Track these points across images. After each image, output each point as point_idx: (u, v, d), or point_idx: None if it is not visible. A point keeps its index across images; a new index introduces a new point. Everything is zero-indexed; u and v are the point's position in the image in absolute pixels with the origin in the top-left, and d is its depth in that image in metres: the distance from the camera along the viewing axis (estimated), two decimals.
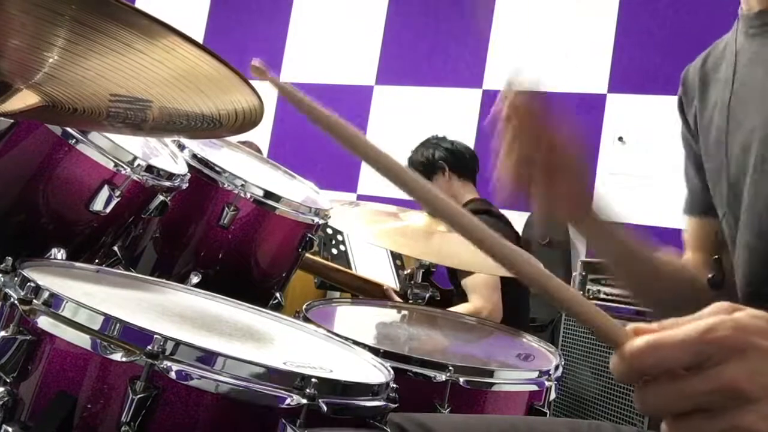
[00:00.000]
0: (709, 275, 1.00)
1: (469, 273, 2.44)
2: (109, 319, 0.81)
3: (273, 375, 0.82)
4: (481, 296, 2.40)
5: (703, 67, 1.07)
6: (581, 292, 2.77)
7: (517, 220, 3.75)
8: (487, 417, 1.23)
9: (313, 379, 0.82)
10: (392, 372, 1.00)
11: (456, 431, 0.98)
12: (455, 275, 2.50)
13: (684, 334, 0.52)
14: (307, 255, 1.99)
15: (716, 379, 0.51)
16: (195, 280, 1.48)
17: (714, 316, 0.53)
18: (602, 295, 2.63)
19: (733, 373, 0.50)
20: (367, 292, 2.34)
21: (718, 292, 0.98)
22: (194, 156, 1.48)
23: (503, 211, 2.82)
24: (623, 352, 0.53)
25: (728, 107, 0.96)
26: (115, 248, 1.41)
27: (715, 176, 1.00)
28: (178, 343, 0.80)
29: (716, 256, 1.02)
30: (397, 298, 2.28)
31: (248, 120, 0.84)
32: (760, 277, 0.89)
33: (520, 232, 3.73)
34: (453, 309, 2.26)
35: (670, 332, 0.52)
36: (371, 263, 2.85)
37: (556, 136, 0.92)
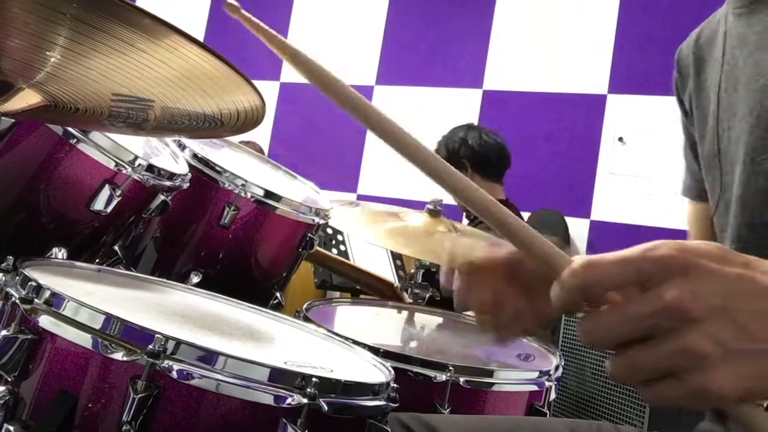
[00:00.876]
0: None
1: None
2: (110, 318, 0.81)
3: (274, 374, 0.82)
4: None
5: (697, 44, 1.04)
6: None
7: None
8: (489, 417, 1.23)
9: (313, 379, 0.82)
10: (392, 372, 1.00)
11: (459, 431, 0.98)
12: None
13: (624, 253, 0.50)
14: (321, 250, 1.99)
15: (658, 299, 0.48)
16: (195, 279, 1.48)
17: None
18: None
19: (676, 293, 0.48)
20: (377, 290, 2.32)
21: None
22: (195, 156, 1.48)
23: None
24: (562, 275, 0.51)
25: (718, 93, 0.95)
26: (116, 248, 1.41)
27: (707, 164, 0.99)
28: (179, 342, 0.80)
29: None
30: (408, 298, 2.27)
31: (250, 119, 0.84)
32: None
33: None
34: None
35: (611, 253, 0.50)
36: (371, 263, 2.85)
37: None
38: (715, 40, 0.99)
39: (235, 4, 0.55)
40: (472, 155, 2.74)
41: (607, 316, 0.50)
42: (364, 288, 2.41)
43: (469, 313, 2.17)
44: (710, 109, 0.97)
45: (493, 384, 1.28)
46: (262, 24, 0.56)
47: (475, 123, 4.11)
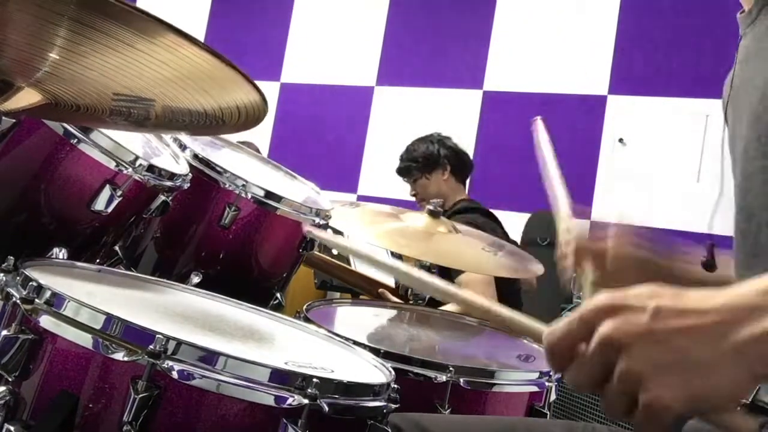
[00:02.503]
0: (702, 258, 1.00)
1: (462, 271, 2.45)
2: (110, 318, 0.81)
3: (274, 375, 0.82)
4: (474, 292, 2.38)
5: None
6: (581, 293, 2.76)
7: (518, 221, 3.76)
8: (484, 418, 1.23)
9: (314, 380, 0.82)
10: (393, 372, 1.00)
11: (452, 430, 0.98)
12: (449, 274, 2.50)
13: (569, 317, 0.59)
14: (316, 254, 1.98)
15: (595, 338, 0.56)
16: (196, 279, 1.48)
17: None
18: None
19: (605, 329, 0.56)
20: (364, 289, 2.33)
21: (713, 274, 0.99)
22: (195, 156, 1.48)
23: (503, 212, 2.82)
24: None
25: (726, 105, 0.97)
26: (117, 248, 1.41)
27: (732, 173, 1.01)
28: (179, 342, 0.80)
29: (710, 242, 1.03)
30: (395, 299, 2.27)
31: (251, 117, 0.84)
32: (746, 265, 0.89)
33: (521, 232, 3.74)
34: (447, 307, 2.26)
35: (560, 322, 0.60)
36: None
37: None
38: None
39: None
40: (452, 156, 2.83)
41: (575, 366, 0.59)
42: (350, 285, 2.42)
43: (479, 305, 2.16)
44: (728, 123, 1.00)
45: (494, 385, 1.28)
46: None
47: (476, 124, 4.12)
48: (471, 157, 3.00)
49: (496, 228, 2.61)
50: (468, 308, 0.71)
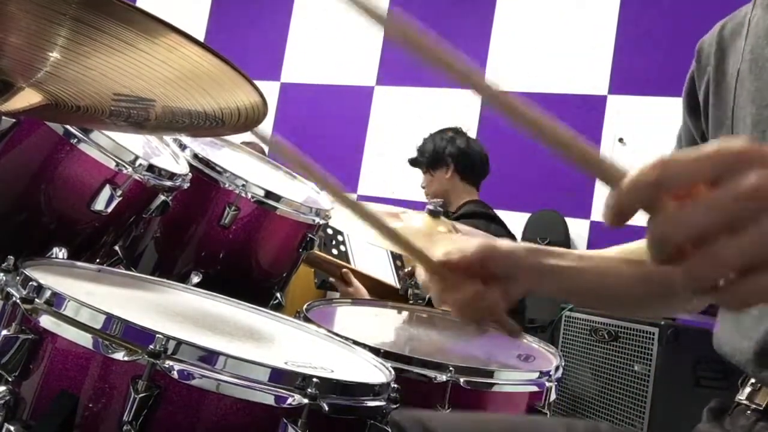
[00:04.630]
0: None
1: None
2: (110, 318, 0.81)
3: (274, 375, 0.82)
4: None
5: (720, 35, 1.05)
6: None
7: (518, 220, 3.76)
8: (486, 415, 1.23)
9: (314, 379, 0.82)
10: (393, 372, 1.00)
11: (454, 429, 0.98)
12: None
13: (698, 150, 0.47)
14: (316, 253, 1.98)
15: (742, 185, 0.45)
16: (196, 279, 1.48)
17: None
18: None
19: (760, 178, 0.45)
20: (329, 272, 2.31)
21: None
22: (195, 156, 1.48)
23: (503, 212, 2.81)
24: (634, 173, 0.49)
25: (736, 81, 0.96)
26: (117, 248, 1.41)
27: None
28: (179, 342, 0.80)
29: None
30: (356, 282, 2.25)
31: (251, 118, 0.84)
32: None
33: (521, 232, 3.74)
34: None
35: (681, 152, 0.48)
36: (371, 263, 2.85)
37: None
38: (740, 32, 1.00)
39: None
40: (458, 155, 2.79)
41: (688, 208, 0.47)
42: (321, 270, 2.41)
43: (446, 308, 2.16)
44: (730, 98, 0.97)
45: (494, 384, 1.28)
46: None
47: (476, 124, 4.12)
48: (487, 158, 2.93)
49: (497, 231, 2.60)
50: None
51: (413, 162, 2.90)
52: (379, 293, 2.31)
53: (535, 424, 1.06)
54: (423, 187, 2.91)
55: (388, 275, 2.74)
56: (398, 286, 2.50)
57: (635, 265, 1.03)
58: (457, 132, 2.90)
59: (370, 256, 2.82)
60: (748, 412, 0.88)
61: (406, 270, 2.41)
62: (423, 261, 0.92)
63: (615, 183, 0.50)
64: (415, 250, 0.91)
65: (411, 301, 1.92)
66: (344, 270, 2.27)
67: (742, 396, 0.89)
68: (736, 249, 0.46)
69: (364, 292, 2.25)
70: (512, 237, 2.73)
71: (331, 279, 2.33)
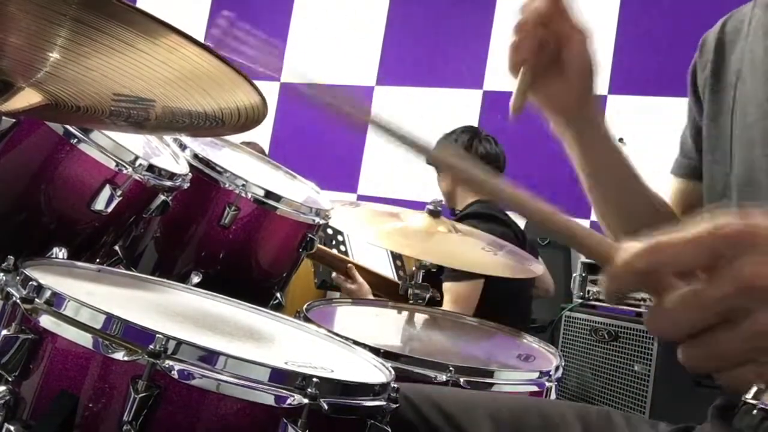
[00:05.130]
0: None
1: (452, 277, 2.44)
2: (110, 318, 0.81)
3: (274, 375, 0.82)
4: (454, 303, 2.40)
5: (723, 30, 1.06)
6: (581, 293, 2.77)
7: (518, 220, 3.75)
8: (496, 395, 1.22)
9: (314, 379, 0.82)
10: (393, 372, 1.00)
11: (465, 407, 0.98)
12: (441, 272, 2.49)
13: (690, 233, 0.46)
14: (322, 248, 1.98)
15: (735, 276, 0.45)
16: (196, 279, 1.48)
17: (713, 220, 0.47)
18: (602, 296, 2.63)
19: (752, 269, 0.44)
20: (334, 267, 2.31)
21: None
22: (195, 156, 1.48)
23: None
24: (618, 260, 0.48)
25: (737, 79, 0.96)
26: (117, 248, 1.41)
27: (713, 145, 1.00)
28: (180, 342, 0.80)
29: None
30: (360, 278, 2.25)
31: (251, 118, 0.84)
32: None
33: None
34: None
35: (672, 235, 0.47)
36: (371, 263, 2.86)
37: (562, 34, 0.96)
38: (741, 29, 1.00)
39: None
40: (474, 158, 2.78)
41: (683, 302, 0.46)
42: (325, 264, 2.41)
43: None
44: (728, 94, 0.98)
45: (494, 384, 1.28)
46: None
47: (476, 124, 4.11)
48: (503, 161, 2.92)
49: (504, 232, 2.58)
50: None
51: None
52: (383, 290, 2.31)
53: (546, 406, 1.05)
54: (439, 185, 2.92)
55: (387, 275, 2.74)
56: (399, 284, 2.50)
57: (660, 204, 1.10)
58: (471, 131, 2.89)
59: (370, 255, 2.82)
60: (755, 411, 0.88)
61: (406, 270, 2.42)
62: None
63: (609, 263, 0.50)
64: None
65: (411, 301, 1.92)
66: (349, 265, 2.27)
67: (749, 395, 0.89)
68: (734, 342, 0.46)
69: (367, 289, 2.25)
70: (521, 239, 2.72)
71: (334, 274, 2.33)
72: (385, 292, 2.29)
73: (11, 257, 0.95)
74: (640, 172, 1.09)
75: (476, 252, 1.85)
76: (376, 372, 1.03)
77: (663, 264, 0.47)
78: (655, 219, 1.07)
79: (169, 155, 1.44)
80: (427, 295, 1.94)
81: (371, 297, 2.22)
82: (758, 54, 0.94)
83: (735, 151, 0.95)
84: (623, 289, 0.49)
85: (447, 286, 2.46)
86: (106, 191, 1.18)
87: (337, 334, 1.19)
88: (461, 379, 1.22)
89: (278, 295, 1.67)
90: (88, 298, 0.87)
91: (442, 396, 0.98)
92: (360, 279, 2.26)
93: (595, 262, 0.52)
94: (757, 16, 0.97)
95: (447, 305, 2.41)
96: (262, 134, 4.54)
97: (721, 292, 0.45)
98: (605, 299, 0.50)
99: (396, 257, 2.90)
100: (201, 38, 0.70)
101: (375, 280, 2.35)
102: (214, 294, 1.23)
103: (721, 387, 0.55)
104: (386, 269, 2.86)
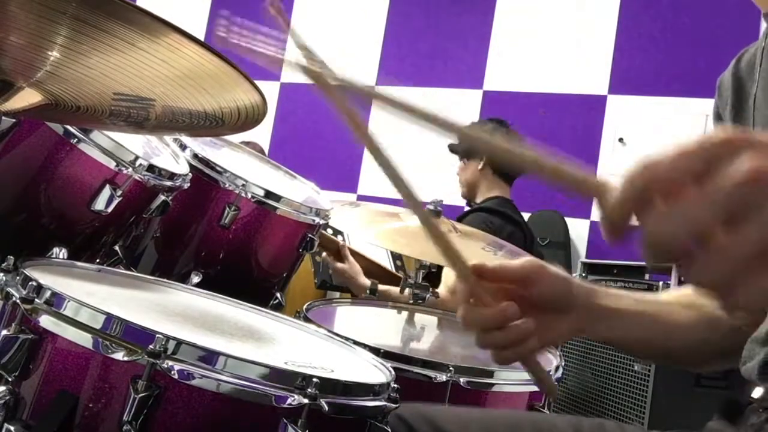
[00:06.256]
0: None
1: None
2: (110, 318, 0.81)
3: (274, 375, 0.82)
4: (450, 288, 2.37)
5: (737, 66, 1.07)
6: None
7: None
8: (491, 411, 1.23)
9: (314, 379, 0.82)
10: (393, 372, 1.00)
11: (459, 424, 0.98)
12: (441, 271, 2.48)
13: (681, 146, 0.45)
14: (326, 235, 1.97)
15: (737, 172, 0.42)
16: (196, 279, 1.48)
17: None
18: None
19: (752, 162, 0.42)
20: (326, 248, 2.29)
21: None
22: (195, 156, 1.48)
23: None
24: (621, 181, 0.45)
25: (753, 107, 0.97)
26: (117, 248, 1.41)
27: None
28: (179, 342, 0.80)
29: None
30: (351, 259, 2.23)
31: (251, 118, 0.84)
32: None
33: None
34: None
35: (663, 152, 0.45)
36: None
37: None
38: (755, 62, 1.01)
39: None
40: None
41: (684, 204, 0.44)
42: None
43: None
44: (749, 124, 0.98)
45: (494, 384, 1.28)
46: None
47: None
48: None
49: (513, 233, 2.58)
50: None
51: (451, 148, 2.91)
52: (375, 275, 2.30)
53: (540, 420, 1.05)
54: (458, 174, 2.92)
55: (383, 263, 2.73)
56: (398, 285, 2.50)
57: (696, 309, 0.93)
58: (500, 125, 2.89)
59: (369, 255, 2.81)
60: (760, 410, 0.88)
61: (406, 270, 2.41)
62: (453, 262, 0.76)
63: (603, 195, 0.48)
64: (448, 247, 0.75)
65: (411, 301, 1.92)
66: (341, 244, 2.25)
67: (756, 395, 0.89)
68: (744, 239, 0.43)
69: (358, 269, 2.23)
70: (529, 240, 2.71)
71: (324, 254, 2.30)
72: (377, 278, 2.27)
73: (11, 257, 0.95)
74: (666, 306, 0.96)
75: (476, 252, 1.84)
76: (376, 372, 1.03)
77: (658, 178, 0.45)
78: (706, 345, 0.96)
79: (169, 155, 1.44)
80: (427, 295, 1.93)
81: (362, 279, 2.20)
82: (765, 86, 0.94)
83: None
84: (619, 217, 0.46)
85: (447, 271, 2.43)
86: (106, 191, 1.18)
87: (337, 334, 1.19)
88: (461, 379, 1.22)
89: (278, 295, 1.67)
90: (88, 298, 0.87)
91: (437, 414, 0.98)
92: (351, 259, 2.24)
93: (587, 197, 0.49)
94: (766, 44, 0.98)
95: (442, 289, 2.38)
96: (262, 134, 4.54)
97: (724, 184, 0.43)
98: (604, 236, 0.45)
99: (396, 257, 2.89)
100: (201, 37, 0.70)
101: (368, 265, 2.33)
102: (214, 294, 1.23)
103: (718, 387, 0.52)
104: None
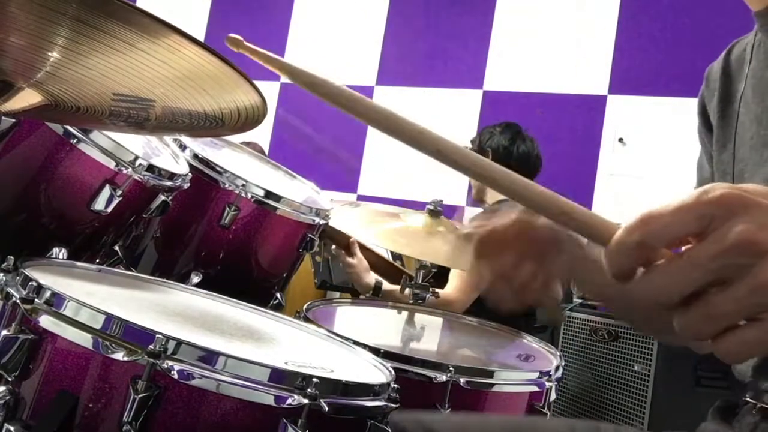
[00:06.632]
0: None
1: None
2: (110, 318, 0.81)
3: (274, 375, 0.82)
4: (458, 291, 2.38)
5: (727, 59, 1.07)
6: (581, 293, 2.77)
7: None
8: (487, 417, 1.23)
9: (314, 379, 0.82)
10: (393, 372, 1.00)
11: (455, 428, 0.98)
12: (448, 273, 2.48)
13: (678, 201, 0.47)
14: (332, 227, 1.97)
15: (727, 237, 0.45)
16: (196, 279, 1.48)
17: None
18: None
19: (744, 227, 0.45)
20: (336, 242, 2.28)
21: None
22: (195, 156, 1.48)
23: None
24: (617, 235, 0.48)
25: (739, 104, 0.97)
26: (117, 248, 1.41)
27: (723, 170, 1.00)
28: (179, 342, 0.80)
29: None
30: (360, 254, 2.24)
31: (251, 118, 0.84)
32: None
33: None
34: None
35: (663, 205, 0.47)
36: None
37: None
38: (745, 57, 1.01)
39: (237, 37, 0.54)
40: (498, 149, 2.74)
41: (671, 265, 0.46)
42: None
43: (442, 298, 2.14)
44: (734, 120, 0.98)
45: (494, 384, 1.28)
46: (261, 51, 0.54)
47: (476, 124, 4.11)
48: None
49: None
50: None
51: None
52: (381, 271, 2.29)
53: (536, 425, 1.06)
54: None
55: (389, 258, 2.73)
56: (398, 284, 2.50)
57: None
58: (509, 128, 2.86)
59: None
60: (754, 411, 0.88)
61: (405, 270, 2.41)
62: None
63: (606, 242, 0.49)
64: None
65: (411, 301, 1.92)
66: (352, 240, 2.24)
67: (750, 395, 0.90)
68: (730, 302, 0.45)
69: (365, 266, 2.23)
70: None
71: (334, 247, 2.30)
72: (383, 273, 2.27)
73: (11, 257, 0.95)
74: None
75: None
76: (376, 372, 1.03)
77: (654, 235, 0.47)
78: None
79: (169, 155, 1.44)
80: (427, 295, 1.94)
81: (368, 277, 2.20)
82: (763, 78, 0.94)
83: (736, 177, 0.95)
84: (621, 270, 0.48)
85: (456, 272, 2.43)
86: (106, 191, 1.18)
87: (337, 334, 1.19)
88: (461, 379, 1.22)
89: (278, 295, 1.67)
90: (88, 298, 0.87)
91: (435, 421, 0.98)
92: (360, 255, 2.23)
93: (595, 243, 0.50)
94: (760, 41, 0.97)
95: (449, 289, 2.39)
96: (262, 134, 4.54)
97: (713, 250, 0.45)
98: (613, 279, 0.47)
99: (396, 257, 2.89)
100: (201, 38, 0.70)
101: (376, 260, 2.33)
102: (214, 294, 1.23)
103: (718, 387, 0.53)
104: None
